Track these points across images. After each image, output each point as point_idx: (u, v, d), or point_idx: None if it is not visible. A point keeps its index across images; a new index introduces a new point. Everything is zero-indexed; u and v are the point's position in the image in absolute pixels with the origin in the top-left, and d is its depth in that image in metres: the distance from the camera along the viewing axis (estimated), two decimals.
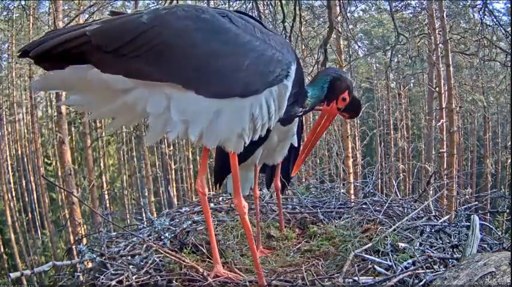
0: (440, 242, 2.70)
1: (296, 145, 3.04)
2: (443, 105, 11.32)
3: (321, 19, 13.27)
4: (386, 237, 2.56)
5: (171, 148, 18.47)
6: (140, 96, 1.93)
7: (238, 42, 1.86)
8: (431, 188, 4.55)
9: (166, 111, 1.92)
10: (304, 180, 5.72)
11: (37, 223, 19.23)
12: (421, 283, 2.04)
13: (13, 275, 2.79)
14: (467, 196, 4.29)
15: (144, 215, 4.04)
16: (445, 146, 11.37)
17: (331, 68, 2.24)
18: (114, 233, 3.35)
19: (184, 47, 1.84)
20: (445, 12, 11.14)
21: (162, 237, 2.98)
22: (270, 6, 6.71)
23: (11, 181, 17.87)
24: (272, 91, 1.96)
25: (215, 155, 3.13)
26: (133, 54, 1.83)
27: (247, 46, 1.86)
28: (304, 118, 3.15)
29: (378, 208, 3.41)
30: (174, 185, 17.86)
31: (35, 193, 19.14)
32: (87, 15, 11.47)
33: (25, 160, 20.02)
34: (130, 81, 1.90)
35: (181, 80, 1.87)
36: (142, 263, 2.53)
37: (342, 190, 4.19)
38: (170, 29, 1.83)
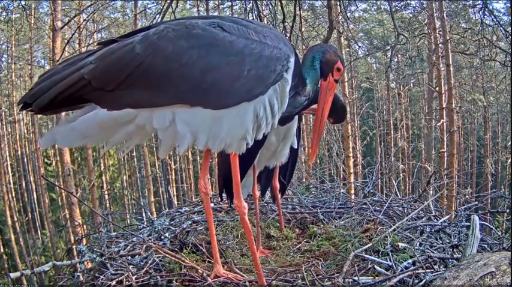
0: (440, 242, 2.70)
1: (296, 146, 3.03)
2: (443, 105, 11.32)
3: (322, 19, 13.29)
4: (386, 237, 2.56)
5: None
6: (148, 116, 1.95)
7: (234, 50, 1.85)
8: (431, 188, 4.55)
9: (173, 125, 1.94)
10: (304, 180, 5.71)
11: (37, 223, 19.24)
12: (421, 283, 2.04)
13: (13, 275, 2.80)
14: (467, 196, 4.28)
15: (144, 215, 4.04)
16: (445, 146, 11.37)
17: (314, 45, 2.21)
18: (114, 233, 3.35)
19: (182, 69, 1.83)
20: (445, 12, 11.13)
21: (162, 237, 2.98)
22: (270, 6, 6.71)
23: (11, 181, 17.87)
24: (276, 88, 1.96)
25: (218, 172, 3.07)
26: (135, 86, 1.85)
27: (245, 51, 1.85)
28: (304, 119, 3.13)
29: (378, 208, 3.41)
30: (174, 185, 17.87)
31: (35, 193, 19.15)
32: (85, 15, 11.49)
33: (25, 160, 20.03)
34: (139, 111, 1.93)
35: (187, 101, 1.89)
36: (142, 263, 2.53)
37: (342, 190, 4.19)
38: (165, 55, 1.83)
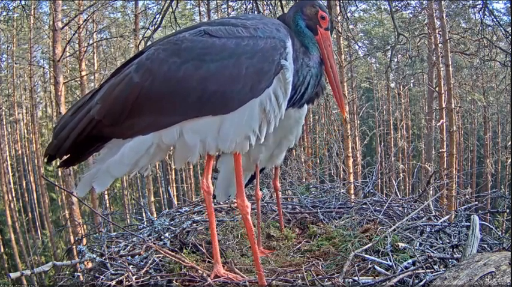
0: (440, 242, 2.70)
1: (292, 145, 3.04)
2: (443, 105, 11.32)
3: None
4: (386, 237, 2.56)
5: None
6: (159, 135, 2.00)
7: (227, 53, 1.84)
8: (431, 188, 4.55)
9: (181, 137, 1.97)
10: (304, 180, 5.72)
11: (37, 223, 19.24)
12: (421, 283, 2.04)
13: (13, 275, 2.80)
14: (467, 196, 4.29)
15: (144, 215, 4.04)
16: (445, 146, 11.37)
17: (289, 10, 2.15)
18: (114, 233, 3.35)
19: (182, 85, 1.85)
20: (445, 12, 11.13)
21: (162, 237, 2.98)
22: (270, 6, 6.72)
23: (11, 181, 17.87)
24: (279, 78, 1.94)
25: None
26: (144, 113, 1.91)
27: (238, 51, 1.85)
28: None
29: (378, 208, 3.41)
30: (174, 185, 17.86)
31: (35, 193, 19.15)
32: (86, 15, 11.49)
33: (25, 160, 20.03)
34: (153, 134, 1.98)
35: (195, 113, 1.91)
36: (142, 263, 2.53)
37: (342, 190, 4.19)
38: (162, 76, 1.87)
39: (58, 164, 2.16)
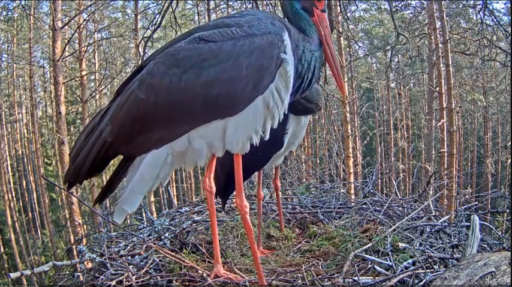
0: (440, 242, 2.70)
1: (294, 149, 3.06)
2: (444, 105, 11.32)
3: None
4: (386, 237, 2.56)
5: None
6: (170, 146, 2.03)
7: (224, 56, 1.85)
8: (431, 188, 4.55)
9: (190, 143, 2.00)
10: (304, 180, 5.72)
11: (37, 223, 19.25)
12: (421, 283, 2.04)
13: (13, 275, 2.80)
14: (467, 196, 4.28)
15: (144, 215, 4.04)
16: (445, 146, 11.37)
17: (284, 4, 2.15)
18: (114, 233, 3.36)
19: (185, 95, 1.87)
20: (445, 12, 11.12)
21: (162, 237, 2.98)
22: (270, 6, 6.73)
23: (11, 181, 17.87)
24: (280, 72, 1.93)
25: (218, 173, 2.90)
26: (154, 127, 1.94)
27: (235, 52, 1.85)
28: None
29: (378, 208, 3.41)
30: (174, 185, 17.86)
31: (35, 193, 19.16)
32: (86, 15, 11.49)
33: (25, 160, 20.04)
34: (166, 146, 2.00)
35: (203, 120, 1.93)
36: (142, 263, 2.53)
37: (342, 190, 4.19)
38: (165, 89, 1.89)
39: (93, 202, 2.25)
